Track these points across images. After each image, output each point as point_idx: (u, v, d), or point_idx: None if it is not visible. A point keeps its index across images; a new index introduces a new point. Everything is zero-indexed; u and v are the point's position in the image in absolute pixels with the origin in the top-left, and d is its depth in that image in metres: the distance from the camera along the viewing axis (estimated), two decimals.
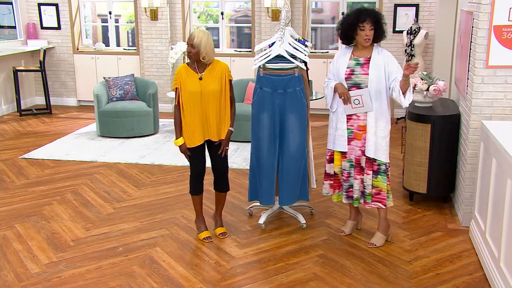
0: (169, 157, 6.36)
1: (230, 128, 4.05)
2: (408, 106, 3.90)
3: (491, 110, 4.18)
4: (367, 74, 3.84)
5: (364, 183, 4.00)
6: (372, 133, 3.89)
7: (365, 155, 3.94)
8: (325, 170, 4.19)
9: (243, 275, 3.68)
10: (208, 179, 4.30)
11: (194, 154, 4.04)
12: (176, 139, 4.02)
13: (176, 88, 3.96)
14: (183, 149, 4.03)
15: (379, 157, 3.92)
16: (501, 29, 4.01)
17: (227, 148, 4.08)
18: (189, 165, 4.13)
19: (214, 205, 4.81)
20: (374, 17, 3.81)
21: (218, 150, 4.07)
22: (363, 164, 3.98)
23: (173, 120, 7.68)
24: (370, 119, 3.89)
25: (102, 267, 3.78)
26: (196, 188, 4.16)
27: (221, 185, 4.22)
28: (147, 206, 4.91)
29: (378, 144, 3.90)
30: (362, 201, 4.07)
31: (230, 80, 4.03)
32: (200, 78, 3.91)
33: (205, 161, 4.10)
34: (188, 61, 4.01)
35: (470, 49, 4.33)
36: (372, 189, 4.00)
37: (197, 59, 3.89)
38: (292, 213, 4.54)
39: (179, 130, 4.01)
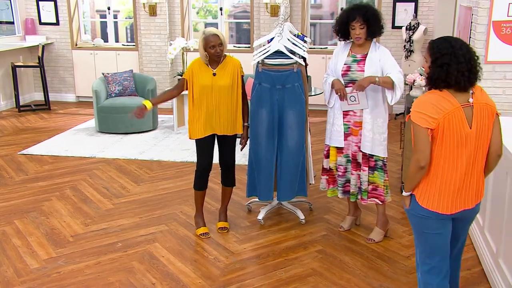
0: (168, 153, 6.36)
1: (245, 124, 4.13)
2: (392, 104, 3.86)
3: None
4: (363, 71, 3.84)
5: (361, 179, 4.01)
6: (369, 129, 3.89)
7: (361, 151, 3.95)
8: (323, 165, 4.20)
9: (242, 270, 3.69)
10: (210, 175, 4.28)
11: (201, 149, 4.06)
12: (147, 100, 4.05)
13: (184, 79, 4.02)
14: (140, 107, 3.97)
15: (377, 153, 3.92)
16: (500, 24, 4.01)
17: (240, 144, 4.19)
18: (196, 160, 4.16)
19: (215, 201, 4.83)
20: (363, 15, 3.79)
21: (227, 144, 4.12)
22: (359, 160, 3.98)
23: (172, 116, 7.74)
24: (366, 115, 3.89)
25: (101, 263, 3.78)
26: (200, 183, 4.17)
27: (228, 179, 4.24)
28: (146, 202, 4.91)
29: (375, 140, 3.90)
30: (359, 197, 4.07)
31: (242, 76, 4.07)
32: (214, 74, 3.94)
33: (211, 157, 4.11)
34: (199, 58, 4.03)
35: (469, 45, 4.32)
36: (368, 185, 4.01)
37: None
38: (291, 208, 4.55)
39: (158, 99, 4.24)
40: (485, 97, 2.57)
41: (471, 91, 2.52)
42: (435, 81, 2.52)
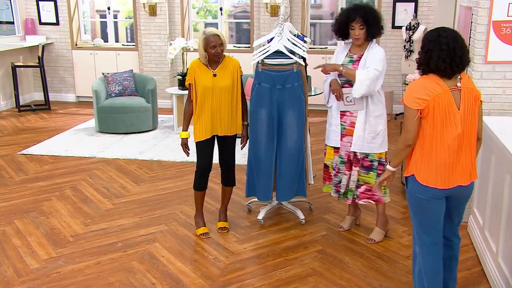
0: (168, 153, 6.36)
1: (245, 123, 4.14)
2: (356, 96, 3.81)
3: (490, 106, 4.18)
4: None
5: (351, 179, 4.00)
6: (361, 128, 3.89)
7: (351, 150, 3.96)
8: (323, 163, 4.22)
9: (242, 270, 3.69)
10: (210, 175, 4.28)
11: (201, 150, 4.06)
12: (182, 131, 4.08)
13: (190, 84, 4.00)
14: (183, 142, 4.07)
15: (366, 150, 3.91)
16: (500, 24, 4.01)
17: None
18: (196, 160, 4.16)
19: (215, 201, 4.82)
20: (364, 16, 3.78)
21: (227, 144, 4.12)
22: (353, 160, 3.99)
23: (172, 116, 7.74)
24: (360, 115, 3.89)
25: (101, 263, 3.78)
26: (200, 183, 4.17)
27: (228, 179, 4.24)
28: (146, 201, 4.91)
29: (366, 138, 3.89)
30: (349, 196, 4.06)
31: (241, 76, 4.08)
32: (215, 75, 3.94)
33: (211, 158, 4.11)
34: (198, 58, 4.02)
35: (469, 44, 4.33)
36: (362, 185, 4.00)
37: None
38: (291, 208, 4.55)
39: (186, 123, 4.07)
40: (471, 83, 2.81)
41: (459, 77, 2.75)
42: (420, 65, 2.79)
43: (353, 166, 3.98)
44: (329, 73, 3.98)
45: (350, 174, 4.01)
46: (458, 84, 2.73)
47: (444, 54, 2.68)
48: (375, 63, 3.79)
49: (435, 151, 2.75)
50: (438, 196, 2.80)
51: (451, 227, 2.98)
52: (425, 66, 2.75)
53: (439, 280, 2.93)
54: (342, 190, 4.07)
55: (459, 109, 2.71)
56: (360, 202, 4.07)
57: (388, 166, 2.96)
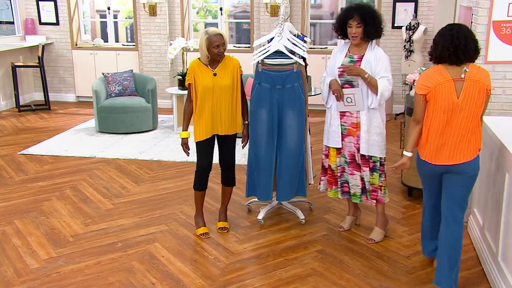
0: (168, 153, 6.37)
1: (245, 122, 4.15)
2: (375, 107, 3.85)
3: (489, 106, 4.17)
4: None
5: (364, 180, 4.00)
6: (365, 130, 3.89)
7: (359, 153, 3.95)
8: (323, 165, 4.20)
9: (242, 270, 3.69)
10: (210, 175, 4.29)
11: (201, 150, 4.06)
12: (182, 131, 4.08)
13: (189, 84, 4.00)
14: (183, 142, 4.07)
15: (373, 153, 3.92)
16: (500, 24, 4.01)
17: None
18: (196, 160, 4.16)
19: (215, 201, 4.82)
20: (361, 14, 3.78)
21: (227, 143, 4.12)
22: (358, 161, 3.98)
23: (172, 116, 7.74)
24: (363, 116, 3.89)
25: (101, 263, 3.78)
26: (200, 183, 4.17)
27: (228, 179, 4.24)
28: (146, 201, 4.91)
29: (372, 141, 3.90)
30: (363, 198, 4.06)
31: (241, 75, 4.08)
32: (215, 74, 3.93)
33: (211, 157, 4.11)
34: (198, 58, 4.03)
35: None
36: (370, 185, 4.01)
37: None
38: (291, 208, 4.55)
39: (186, 123, 4.07)
40: (480, 75, 3.07)
41: (465, 68, 3.04)
42: (430, 56, 3.18)
43: (362, 167, 3.97)
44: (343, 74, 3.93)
45: (361, 176, 4.00)
46: (462, 76, 3.04)
47: (448, 43, 3.02)
48: (386, 71, 3.84)
49: (429, 131, 3.17)
50: (429, 167, 3.23)
51: (449, 205, 3.27)
52: (432, 55, 3.13)
53: (429, 236, 3.56)
54: (353, 191, 4.06)
55: (458, 98, 3.04)
56: (369, 202, 4.06)
57: (404, 152, 3.33)
